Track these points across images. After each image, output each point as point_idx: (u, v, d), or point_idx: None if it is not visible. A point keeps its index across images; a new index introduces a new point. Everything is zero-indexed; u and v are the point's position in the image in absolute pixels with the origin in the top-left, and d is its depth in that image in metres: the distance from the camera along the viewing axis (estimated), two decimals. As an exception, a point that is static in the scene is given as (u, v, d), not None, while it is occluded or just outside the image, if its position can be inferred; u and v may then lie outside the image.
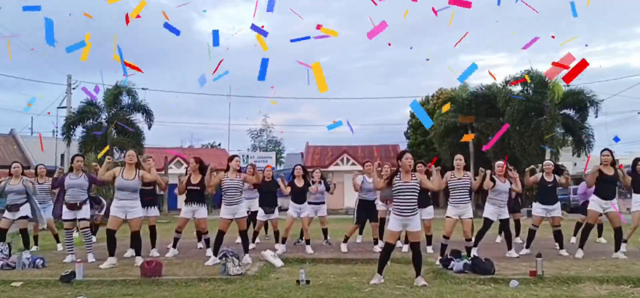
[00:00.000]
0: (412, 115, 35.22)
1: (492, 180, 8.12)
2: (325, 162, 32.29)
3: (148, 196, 8.61)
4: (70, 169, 8.27)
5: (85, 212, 8.08)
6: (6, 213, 8.57)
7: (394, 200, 6.21)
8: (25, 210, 8.65)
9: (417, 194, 6.14)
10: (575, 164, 35.96)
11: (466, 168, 7.99)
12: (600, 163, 8.20)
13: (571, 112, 22.79)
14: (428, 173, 8.22)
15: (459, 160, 7.84)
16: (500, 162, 8.53)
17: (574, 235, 10.32)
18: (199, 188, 8.45)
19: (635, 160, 8.56)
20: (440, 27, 79.18)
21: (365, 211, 9.14)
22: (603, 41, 75.46)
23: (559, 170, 8.84)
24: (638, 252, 8.58)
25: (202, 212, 8.56)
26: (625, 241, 8.32)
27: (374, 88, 75.56)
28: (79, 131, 23.55)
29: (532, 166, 9.43)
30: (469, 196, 7.84)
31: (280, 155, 45.83)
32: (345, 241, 9.14)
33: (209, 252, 8.38)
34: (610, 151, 8.23)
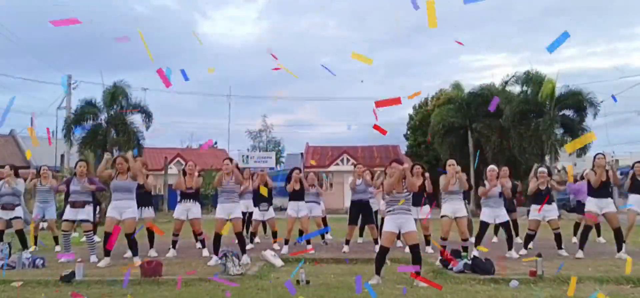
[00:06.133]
0: (411, 117, 35.24)
1: (483, 185, 8.29)
2: (326, 162, 32.25)
3: (142, 196, 8.60)
4: (74, 174, 8.32)
5: (88, 213, 8.13)
6: (0, 213, 8.59)
7: (388, 206, 6.31)
8: (20, 211, 8.70)
9: (409, 200, 6.29)
10: (575, 164, 35.99)
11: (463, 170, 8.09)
12: (593, 167, 8.25)
13: (570, 113, 22.82)
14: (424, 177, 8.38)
15: (450, 165, 7.97)
16: (492, 166, 8.62)
17: (574, 235, 10.32)
18: (193, 191, 8.61)
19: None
20: (441, 28, 79.17)
21: (359, 211, 9.19)
22: (603, 41, 75.52)
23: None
24: (638, 252, 8.58)
25: (195, 211, 8.61)
26: (624, 241, 8.32)
27: (374, 88, 75.59)
28: (78, 131, 23.53)
29: (536, 164, 9.43)
30: (462, 197, 7.97)
31: (280, 155, 45.84)
32: (346, 243, 9.16)
33: (206, 252, 8.43)
34: (603, 155, 8.32)
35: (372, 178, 9.51)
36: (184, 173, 8.68)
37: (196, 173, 8.62)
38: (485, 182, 8.29)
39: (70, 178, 8.33)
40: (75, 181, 8.21)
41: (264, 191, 9.29)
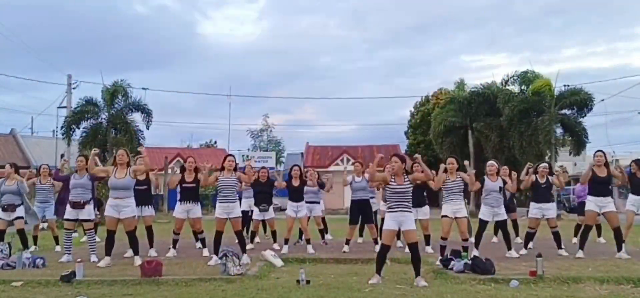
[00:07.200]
0: (412, 115, 35.34)
1: (482, 181, 8.26)
2: (326, 162, 32.25)
3: (142, 195, 8.61)
4: (76, 171, 8.33)
5: (89, 212, 8.13)
6: (1, 214, 8.57)
7: (388, 200, 6.33)
8: (21, 211, 8.67)
9: (410, 195, 6.28)
10: (575, 164, 35.98)
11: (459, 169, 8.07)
12: (593, 165, 8.25)
13: (570, 112, 22.82)
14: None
15: (451, 164, 7.96)
16: (491, 162, 8.63)
17: (575, 235, 10.31)
18: (193, 185, 8.48)
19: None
20: (441, 28, 79.15)
21: (359, 211, 9.19)
22: (603, 41, 75.39)
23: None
24: (638, 252, 8.58)
25: (196, 211, 8.58)
26: (623, 241, 8.34)
27: (375, 88, 75.55)
28: (78, 130, 23.55)
29: (529, 163, 9.47)
30: (463, 197, 7.96)
31: (281, 155, 45.79)
32: (347, 243, 9.16)
33: (206, 252, 8.43)
34: (603, 152, 8.28)
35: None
36: (183, 169, 8.67)
37: (194, 168, 8.53)
38: (485, 177, 8.29)
39: (69, 176, 8.31)
40: (75, 175, 8.18)
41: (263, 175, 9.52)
